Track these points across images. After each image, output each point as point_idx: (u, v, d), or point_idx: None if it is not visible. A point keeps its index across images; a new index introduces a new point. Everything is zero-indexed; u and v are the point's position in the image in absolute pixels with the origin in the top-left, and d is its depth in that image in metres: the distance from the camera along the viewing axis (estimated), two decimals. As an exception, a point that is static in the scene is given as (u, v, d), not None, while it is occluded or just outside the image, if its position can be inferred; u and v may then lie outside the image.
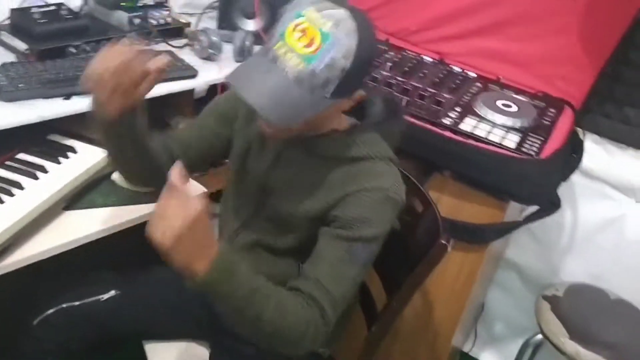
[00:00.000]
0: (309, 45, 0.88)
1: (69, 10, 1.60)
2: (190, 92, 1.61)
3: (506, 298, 2.05)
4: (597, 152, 1.78)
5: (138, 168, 1.15)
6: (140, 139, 1.09)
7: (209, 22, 1.98)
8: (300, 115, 0.92)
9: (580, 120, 1.73)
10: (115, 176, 1.41)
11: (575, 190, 1.81)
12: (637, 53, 1.68)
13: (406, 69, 1.68)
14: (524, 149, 1.40)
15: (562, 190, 1.57)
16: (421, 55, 1.80)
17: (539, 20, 1.72)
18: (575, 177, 1.70)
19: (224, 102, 1.23)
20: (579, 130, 1.70)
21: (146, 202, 1.34)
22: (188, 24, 1.83)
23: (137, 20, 1.67)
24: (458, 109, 1.54)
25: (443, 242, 1.12)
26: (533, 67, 1.76)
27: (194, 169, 1.21)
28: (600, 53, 1.68)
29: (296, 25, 0.89)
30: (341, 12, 0.90)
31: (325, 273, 0.98)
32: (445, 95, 1.59)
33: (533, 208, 1.56)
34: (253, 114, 1.11)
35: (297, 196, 1.07)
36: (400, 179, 1.07)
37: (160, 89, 1.51)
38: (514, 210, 1.60)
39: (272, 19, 1.87)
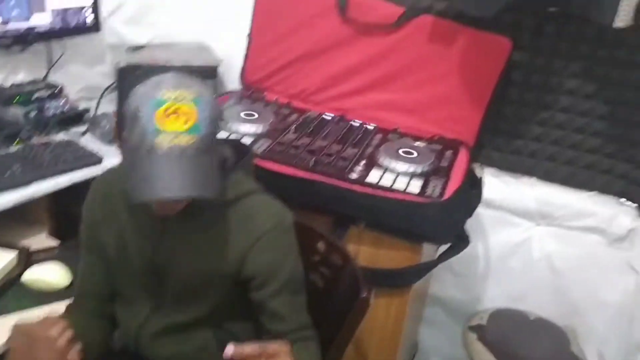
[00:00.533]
0: (187, 120, 0.90)
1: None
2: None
3: (437, 333, 2.11)
4: (495, 184, 1.91)
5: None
6: None
7: (109, 106, 1.98)
8: (211, 186, 0.94)
9: (476, 156, 1.86)
10: (26, 277, 1.36)
11: (482, 221, 1.93)
12: (514, 90, 1.85)
13: (310, 129, 1.75)
14: (427, 193, 1.49)
15: (471, 222, 1.67)
16: (323, 114, 1.88)
17: (422, 69, 1.85)
18: (480, 209, 1.80)
19: (84, 231, 1.20)
20: (477, 166, 1.83)
21: (61, 300, 1.30)
22: (87, 110, 1.82)
23: (33, 114, 1.64)
24: (363, 162, 1.62)
25: (365, 296, 1.16)
26: (425, 113, 1.88)
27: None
28: (482, 92, 1.82)
29: (165, 112, 0.89)
30: (186, 79, 0.95)
31: (288, 317, 1.09)
32: (349, 150, 1.67)
33: (446, 245, 1.65)
34: (113, 209, 1.13)
35: (195, 260, 1.09)
36: (279, 202, 1.12)
37: (64, 180, 1.50)
38: (430, 250, 1.67)
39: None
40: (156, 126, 0.89)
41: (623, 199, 1.84)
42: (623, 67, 1.71)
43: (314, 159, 1.59)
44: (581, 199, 1.85)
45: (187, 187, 0.90)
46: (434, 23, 1.79)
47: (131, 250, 1.13)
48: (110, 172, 1.21)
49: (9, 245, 1.46)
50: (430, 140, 1.80)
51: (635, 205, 1.81)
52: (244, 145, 1.27)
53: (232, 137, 1.66)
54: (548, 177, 1.90)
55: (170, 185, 0.89)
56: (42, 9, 1.74)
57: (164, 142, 0.89)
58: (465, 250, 1.66)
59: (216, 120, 0.95)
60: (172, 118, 0.89)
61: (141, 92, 0.92)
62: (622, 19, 1.28)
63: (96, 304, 1.19)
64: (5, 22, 1.68)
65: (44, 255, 1.44)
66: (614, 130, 1.79)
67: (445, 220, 1.48)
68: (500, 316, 1.82)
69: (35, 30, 1.75)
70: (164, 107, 0.89)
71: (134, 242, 1.12)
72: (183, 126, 0.90)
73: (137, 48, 1.97)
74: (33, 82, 1.80)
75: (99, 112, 1.87)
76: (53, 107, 1.71)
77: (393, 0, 1.84)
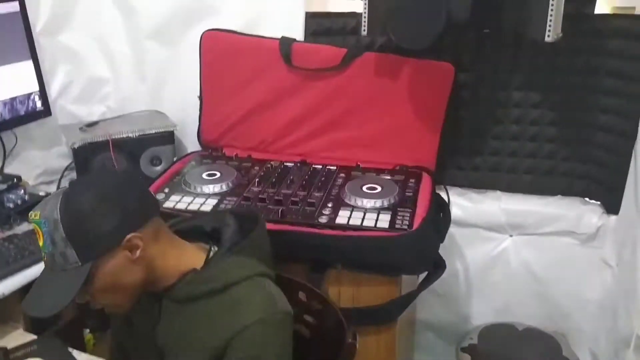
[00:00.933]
0: (39, 237, 1.01)
1: None
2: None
3: (431, 358, 2.11)
4: (462, 202, 1.95)
5: None
6: None
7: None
8: (71, 291, 0.99)
9: (439, 179, 1.89)
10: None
11: (457, 240, 1.96)
12: (465, 109, 1.90)
13: (273, 179, 1.77)
14: (397, 226, 1.51)
15: (446, 243, 1.69)
16: (284, 162, 1.90)
17: (373, 104, 1.89)
18: (453, 229, 1.83)
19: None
20: (441, 188, 1.86)
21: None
22: (48, 195, 1.80)
23: (-8, 209, 1.62)
24: (330, 205, 1.63)
25: (350, 341, 1.16)
26: (382, 146, 1.91)
27: None
28: (434, 117, 1.87)
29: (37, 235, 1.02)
30: (46, 199, 1.03)
31: None
32: (315, 194, 1.68)
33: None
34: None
35: (186, 344, 1.09)
36: (270, 292, 1.10)
37: (33, 272, 1.48)
38: (410, 279, 1.69)
39: (134, 167, 1.91)
40: None
41: (587, 198, 1.89)
42: (563, 72, 1.78)
43: (281, 209, 1.60)
44: (547, 204, 1.90)
45: (31, 305, 1.04)
46: (377, 58, 1.84)
47: (136, 330, 1.17)
48: None
49: (-16, 347, 1.42)
50: (392, 172, 1.83)
51: (599, 202, 1.86)
52: (253, 214, 1.26)
53: (197, 200, 1.66)
54: (511, 188, 1.95)
55: (28, 301, 1.05)
56: (-12, 102, 1.74)
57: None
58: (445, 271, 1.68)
59: (63, 239, 0.98)
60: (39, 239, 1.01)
61: None
62: (551, 34, 1.34)
63: None
64: (-47, 121, 1.67)
65: (22, 352, 1.39)
66: (566, 134, 1.85)
67: (419, 250, 1.50)
68: (490, 332, 1.83)
69: (-15, 124, 1.75)
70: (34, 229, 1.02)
71: (138, 322, 1.17)
72: (41, 247, 1.02)
73: (91, 125, 1.97)
74: (-12, 175, 1.78)
75: (61, 194, 1.85)
76: (13, 199, 1.68)
77: (334, 43, 1.89)
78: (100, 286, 1.03)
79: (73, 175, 2.02)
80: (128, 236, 1.02)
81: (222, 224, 1.20)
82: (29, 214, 1.03)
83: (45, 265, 1.05)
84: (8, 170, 1.88)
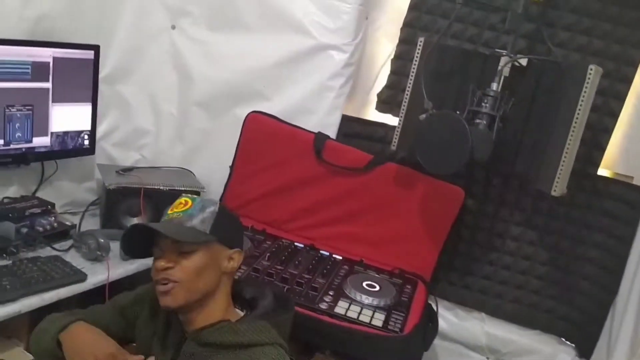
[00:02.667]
0: (184, 204, 1.25)
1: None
2: (78, 296, 1.67)
3: None
4: (449, 316, 2.08)
5: None
6: None
7: (91, 220, 2.09)
8: (198, 238, 1.20)
9: (432, 288, 2.03)
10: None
11: (436, 352, 2.07)
12: (467, 231, 2.07)
13: (283, 257, 1.90)
14: (389, 327, 1.63)
15: (427, 353, 1.79)
16: (294, 243, 2.04)
17: (386, 209, 2.06)
18: (436, 341, 1.93)
19: (127, 302, 1.39)
20: (432, 298, 1.99)
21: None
22: (73, 226, 1.92)
23: (24, 230, 1.73)
24: (331, 293, 1.76)
25: None
26: (387, 247, 2.06)
27: None
28: (438, 233, 2.03)
29: (179, 203, 1.27)
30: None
31: None
32: (319, 280, 1.81)
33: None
34: (155, 311, 1.32)
35: None
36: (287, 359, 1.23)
37: (50, 296, 1.57)
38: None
39: (157, 217, 2.03)
40: (167, 211, 1.28)
41: (563, 339, 2.02)
42: (561, 220, 1.96)
43: (286, 288, 1.72)
44: (526, 336, 2.02)
45: (167, 231, 1.20)
46: (398, 170, 2.03)
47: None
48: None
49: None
50: (391, 274, 1.97)
51: (574, 345, 1.99)
52: (287, 297, 1.43)
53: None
54: (496, 313, 2.08)
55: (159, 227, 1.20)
56: (44, 133, 1.90)
57: (168, 216, 1.27)
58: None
59: (211, 213, 1.24)
60: (180, 205, 1.26)
61: None
62: (557, 189, 1.53)
63: None
64: (7, 144, 1.82)
65: (20, 370, 1.47)
66: (554, 275, 2.00)
67: (406, 354, 1.61)
68: None
69: (35, 150, 1.90)
70: (180, 200, 1.29)
71: (156, 353, 1.27)
72: (180, 207, 1.26)
73: (126, 170, 2.12)
74: (24, 197, 1.91)
75: (83, 227, 1.97)
76: (43, 223, 1.80)
77: (361, 146, 2.09)
78: (198, 261, 1.20)
79: (97, 210, 2.15)
80: (237, 249, 1.28)
81: (260, 295, 1.35)
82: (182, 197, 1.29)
83: (171, 220, 1.24)
84: (39, 195, 2.01)
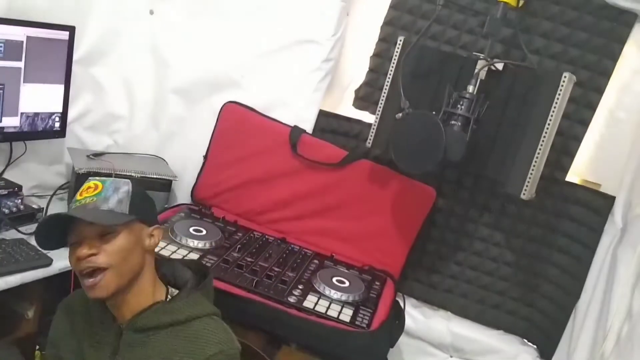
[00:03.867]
0: (95, 188, 1.20)
1: None
2: (41, 280, 1.64)
3: None
4: (415, 314, 2.10)
5: None
6: None
7: (59, 204, 2.05)
8: (117, 220, 1.16)
9: (400, 286, 2.05)
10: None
11: (402, 349, 2.09)
12: (436, 231, 2.10)
13: (254, 249, 1.90)
14: (357, 322, 1.64)
15: (391, 350, 1.81)
16: (266, 235, 2.04)
17: (358, 205, 2.07)
18: (401, 338, 1.97)
19: (48, 350, 1.32)
20: (400, 295, 2.01)
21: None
22: (40, 209, 1.88)
23: (-11, 211, 1.69)
24: (300, 287, 1.76)
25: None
26: (357, 243, 2.08)
27: None
28: (409, 231, 2.05)
29: (88, 187, 1.21)
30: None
31: None
32: (289, 273, 1.82)
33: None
34: (74, 327, 1.27)
35: None
36: (228, 329, 1.24)
37: (14, 279, 1.54)
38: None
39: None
40: (75, 197, 1.21)
41: (525, 340, 2.06)
42: (527, 223, 2.00)
43: (255, 280, 1.72)
44: (489, 335, 2.06)
45: (83, 214, 1.15)
46: (372, 167, 2.05)
47: None
48: (75, 294, 1.30)
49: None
50: (361, 270, 1.98)
51: (535, 346, 2.04)
52: (205, 267, 1.41)
53: (180, 251, 1.78)
54: (461, 312, 2.12)
55: (76, 212, 1.16)
56: (14, 113, 1.85)
57: (77, 203, 1.19)
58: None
59: (127, 192, 1.20)
60: (89, 189, 1.21)
61: None
62: (526, 193, 1.56)
63: None
64: (-25, 121, 1.77)
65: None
66: (519, 276, 2.04)
67: (371, 350, 1.63)
68: None
69: (4, 130, 1.85)
70: (88, 184, 1.22)
71: (92, 357, 1.21)
72: (91, 192, 1.20)
73: (98, 154, 2.09)
74: (-11, 178, 1.86)
75: (50, 211, 1.94)
76: (9, 205, 1.76)
77: (337, 142, 2.09)
78: (121, 243, 1.17)
79: (65, 195, 2.11)
80: (156, 225, 1.26)
81: (175, 270, 1.34)
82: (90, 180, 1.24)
83: (85, 206, 1.17)
84: (6, 176, 1.96)
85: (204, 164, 2.17)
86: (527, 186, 1.56)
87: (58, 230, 1.18)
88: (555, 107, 1.54)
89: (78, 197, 1.19)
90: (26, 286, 1.58)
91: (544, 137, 1.55)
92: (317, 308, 1.67)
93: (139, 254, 1.21)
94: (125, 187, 1.21)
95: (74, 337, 1.26)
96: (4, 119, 1.84)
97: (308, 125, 2.13)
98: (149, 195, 1.31)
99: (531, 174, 1.56)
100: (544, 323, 2.01)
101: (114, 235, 1.16)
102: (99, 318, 1.26)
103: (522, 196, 1.57)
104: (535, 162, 1.56)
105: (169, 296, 1.27)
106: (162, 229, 1.28)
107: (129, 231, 1.19)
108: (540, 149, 1.55)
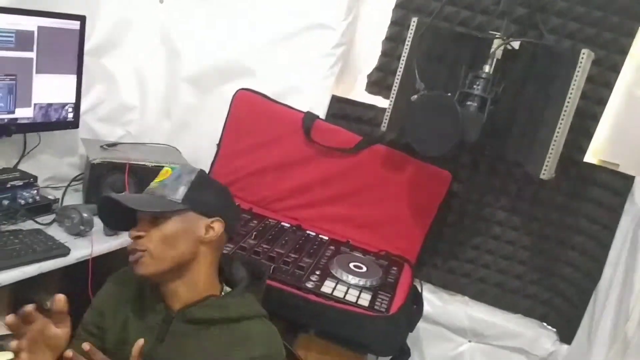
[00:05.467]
0: (165, 174, 1.24)
1: None
2: (59, 270, 1.64)
3: None
4: (433, 299, 2.09)
5: None
6: None
7: (74, 195, 2.05)
8: (160, 206, 1.18)
9: (417, 272, 2.03)
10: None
11: (420, 334, 2.08)
12: (452, 216, 2.08)
13: (269, 236, 1.89)
14: (375, 307, 1.63)
15: (410, 334, 1.81)
16: (281, 223, 2.03)
17: (373, 190, 2.06)
18: (419, 323, 1.95)
19: (88, 316, 1.30)
20: (417, 281, 2.00)
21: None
22: (56, 200, 1.88)
23: (5, 202, 1.69)
24: (318, 272, 1.75)
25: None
26: (373, 229, 2.07)
27: None
28: (425, 216, 2.04)
29: (161, 173, 1.26)
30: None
31: None
32: (305, 259, 1.81)
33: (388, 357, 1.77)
34: (123, 304, 1.26)
35: None
36: (277, 332, 1.23)
37: (32, 269, 1.55)
38: (371, 360, 1.79)
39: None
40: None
41: (545, 323, 2.05)
42: (545, 206, 1.98)
43: (273, 266, 1.71)
44: (508, 320, 2.05)
45: (136, 205, 1.19)
46: (386, 152, 2.03)
47: (130, 347, 1.18)
48: (128, 269, 1.28)
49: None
50: (377, 256, 1.97)
51: (555, 330, 2.02)
52: (260, 267, 1.40)
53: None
54: (479, 297, 2.10)
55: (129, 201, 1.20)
56: (27, 104, 1.85)
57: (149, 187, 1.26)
58: (404, 361, 1.79)
59: (188, 182, 1.22)
60: (160, 176, 1.25)
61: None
62: (546, 173, 1.54)
63: None
64: (-11, 113, 1.77)
65: (1, 343, 1.44)
66: (537, 260, 2.02)
67: (390, 334, 1.62)
68: None
69: (18, 121, 1.85)
70: (162, 171, 1.27)
71: (135, 339, 1.18)
72: (159, 178, 1.25)
73: (111, 145, 2.08)
74: (6, 169, 1.86)
75: (65, 202, 1.94)
76: (25, 196, 1.76)
77: (350, 128, 2.07)
78: (167, 230, 1.18)
79: (80, 186, 2.11)
80: (217, 218, 1.22)
81: (233, 268, 1.32)
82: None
83: (148, 190, 1.24)
84: (21, 167, 1.97)
85: (217, 152, 2.16)
86: (546, 165, 1.54)
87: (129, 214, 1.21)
88: (574, 84, 1.51)
89: (153, 181, 1.26)
90: (44, 276, 1.59)
91: (564, 114, 1.52)
92: (335, 293, 1.66)
93: (189, 243, 1.20)
94: (188, 176, 1.22)
95: (122, 312, 1.26)
96: (17, 110, 1.84)
97: (321, 111, 2.11)
98: (221, 188, 1.30)
99: (551, 153, 1.54)
100: (563, 306, 1.99)
101: (164, 220, 1.18)
102: (151, 301, 1.25)
103: (541, 176, 1.55)
104: (555, 140, 1.53)
105: (222, 293, 1.27)
106: (223, 222, 1.24)
107: (180, 219, 1.19)
108: (560, 127, 1.53)
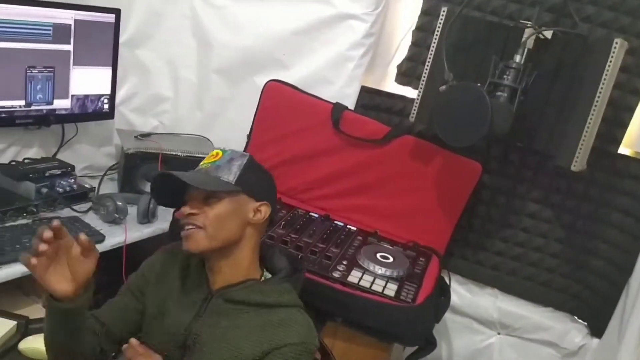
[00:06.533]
0: (215, 156, 1.29)
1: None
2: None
3: None
4: (461, 291, 2.08)
5: (72, 350, 1.21)
6: (84, 325, 1.18)
7: (110, 184, 2.12)
8: (220, 186, 1.23)
9: (445, 263, 2.03)
10: (23, 346, 1.43)
11: (447, 325, 2.08)
12: (482, 207, 2.06)
13: (298, 226, 1.91)
14: (402, 297, 1.64)
15: (437, 325, 1.80)
16: (309, 213, 2.05)
17: (402, 181, 2.05)
18: (447, 315, 1.95)
19: (134, 278, 1.36)
20: (445, 272, 2.00)
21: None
22: (92, 189, 1.95)
23: (44, 190, 1.76)
24: (345, 262, 1.77)
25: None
26: (401, 220, 2.06)
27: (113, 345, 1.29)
28: (454, 207, 2.02)
29: (211, 155, 1.30)
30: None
31: None
32: (333, 249, 1.82)
33: (414, 347, 1.77)
34: (168, 277, 1.31)
35: (219, 346, 1.20)
36: (312, 324, 1.26)
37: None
38: (397, 350, 1.80)
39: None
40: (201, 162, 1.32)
41: (575, 317, 2.02)
42: (577, 199, 1.95)
43: (300, 255, 1.74)
44: (538, 313, 2.03)
45: (191, 180, 1.22)
46: (415, 143, 2.02)
47: (169, 319, 1.26)
48: (177, 244, 1.33)
49: (4, 315, 1.53)
50: (405, 246, 1.97)
51: (585, 323, 1.99)
52: (298, 261, 1.44)
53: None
54: (509, 289, 2.08)
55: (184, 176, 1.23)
56: (65, 95, 1.92)
57: (201, 166, 1.30)
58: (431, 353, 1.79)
59: (239, 165, 1.27)
60: (211, 157, 1.30)
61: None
62: (577, 165, 1.51)
63: (100, 333, 1.26)
64: (29, 105, 1.84)
65: (40, 326, 1.50)
66: (569, 253, 1.99)
67: (417, 324, 1.62)
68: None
69: (56, 112, 1.92)
70: (213, 152, 1.32)
71: (175, 312, 1.27)
72: (210, 158, 1.30)
73: (145, 135, 2.14)
74: (45, 159, 1.94)
75: (101, 191, 2.00)
76: (63, 185, 1.83)
77: (379, 118, 2.07)
78: (221, 209, 1.23)
79: (115, 175, 2.17)
80: (264, 202, 1.28)
81: (274, 256, 1.38)
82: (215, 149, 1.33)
83: (200, 170, 1.28)
84: (59, 157, 2.04)
85: (247, 142, 2.19)
86: (577, 158, 1.51)
87: (176, 191, 1.28)
88: (606, 74, 1.48)
89: (202, 162, 1.30)
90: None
91: (595, 106, 1.49)
92: (362, 283, 1.67)
93: (238, 224, 1.25)
94: (240, 160, 1.28)
95: (165, 284, 1.31)
96: (55, 101, 1.90)
97: (350, 102, 2.12)
98: (268, 174, 1.36)
99: (582, 145, 1.51)
100: (594, 300, 1.96)
101: (217, 200, 1.23)
102: (195, 277, 1.31)
103: (572, 168, 1.52)
104: (587, 132, 1.51)
105: (262, 278, 1.31)
106: (269, 205, 1.30)
107: (232, 200, 1.24)
108: (591, 119, 1.50)
